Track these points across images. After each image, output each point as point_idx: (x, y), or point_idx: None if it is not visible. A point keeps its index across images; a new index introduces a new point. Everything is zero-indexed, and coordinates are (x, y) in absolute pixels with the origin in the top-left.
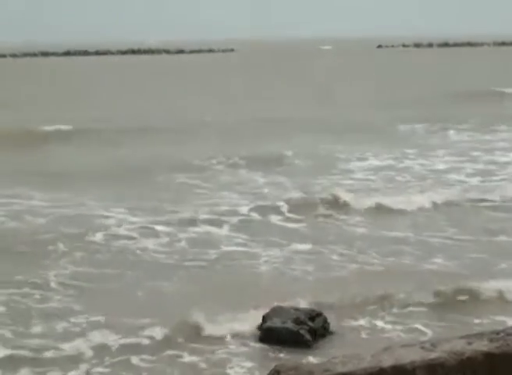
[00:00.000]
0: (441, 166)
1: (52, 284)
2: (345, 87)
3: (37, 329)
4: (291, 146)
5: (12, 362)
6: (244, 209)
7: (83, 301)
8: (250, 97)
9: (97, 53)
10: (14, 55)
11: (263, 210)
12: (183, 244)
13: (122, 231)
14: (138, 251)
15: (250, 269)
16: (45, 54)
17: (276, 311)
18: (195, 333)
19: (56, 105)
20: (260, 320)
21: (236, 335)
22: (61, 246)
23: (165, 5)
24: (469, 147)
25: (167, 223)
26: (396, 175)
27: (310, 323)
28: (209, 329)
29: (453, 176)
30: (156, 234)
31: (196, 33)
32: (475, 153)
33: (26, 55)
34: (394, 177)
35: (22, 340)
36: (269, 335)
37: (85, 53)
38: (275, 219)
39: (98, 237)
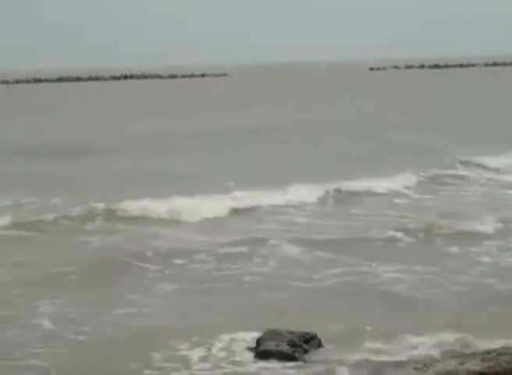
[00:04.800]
0: None
1: None
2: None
3: None
4: None
5: None
6: None
7: None
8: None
9: (90, 79)
10: (6, 82)
11: None
12: None
13: None
14: None
15: None
16: (38, 80)
17: (270, 334)
18: None
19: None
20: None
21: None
22: None
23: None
24: None
25: None
26: None
27: (304, 346)
28: None
29: None
30: None
31: (184, 58)
32: None
33: (18, 82)
34: None
35: None
36: (263, 358)
37: (78, 79)
38: None
39: None
